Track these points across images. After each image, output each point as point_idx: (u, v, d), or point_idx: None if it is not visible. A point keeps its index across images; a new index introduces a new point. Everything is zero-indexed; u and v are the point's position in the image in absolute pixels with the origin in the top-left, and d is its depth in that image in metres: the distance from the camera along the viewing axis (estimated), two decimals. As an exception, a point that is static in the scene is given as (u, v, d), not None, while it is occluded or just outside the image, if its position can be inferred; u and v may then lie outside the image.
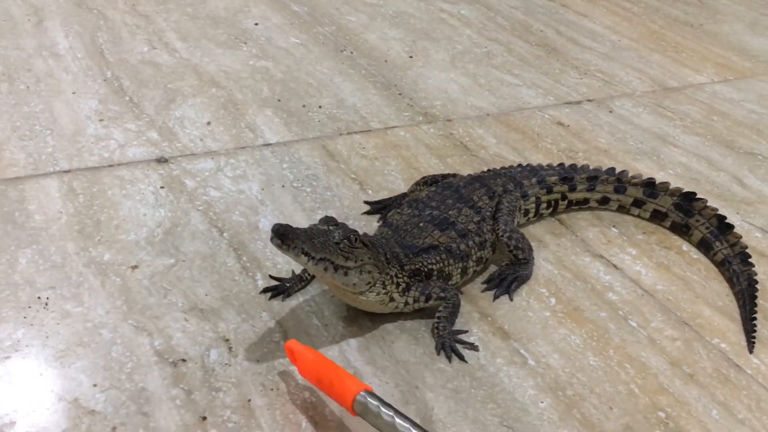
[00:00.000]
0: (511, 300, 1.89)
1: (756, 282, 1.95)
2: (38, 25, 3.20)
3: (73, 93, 2.70)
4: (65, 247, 1.94)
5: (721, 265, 2.06)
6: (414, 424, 1.39)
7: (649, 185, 2.21)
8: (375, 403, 1.40)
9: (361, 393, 1.42)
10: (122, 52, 3.04)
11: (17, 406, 1.50)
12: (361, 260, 1.64)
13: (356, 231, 1.68)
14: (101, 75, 2.84)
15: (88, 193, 2.16)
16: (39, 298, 1.77)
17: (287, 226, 1.56)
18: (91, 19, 3.29)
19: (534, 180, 2.16)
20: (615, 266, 2.05)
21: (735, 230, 2.09)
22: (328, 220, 1.68)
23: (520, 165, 2.26)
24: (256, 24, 3.42)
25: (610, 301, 1.92)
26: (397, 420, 1.38)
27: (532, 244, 2.03)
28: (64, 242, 1.95)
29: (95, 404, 1.51)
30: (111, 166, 2.31)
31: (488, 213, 1.99)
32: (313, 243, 1.58)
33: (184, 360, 1.63)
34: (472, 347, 1.73)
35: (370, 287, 1.69)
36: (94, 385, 1.55)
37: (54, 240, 1.96)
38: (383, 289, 1.72)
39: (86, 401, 1.52)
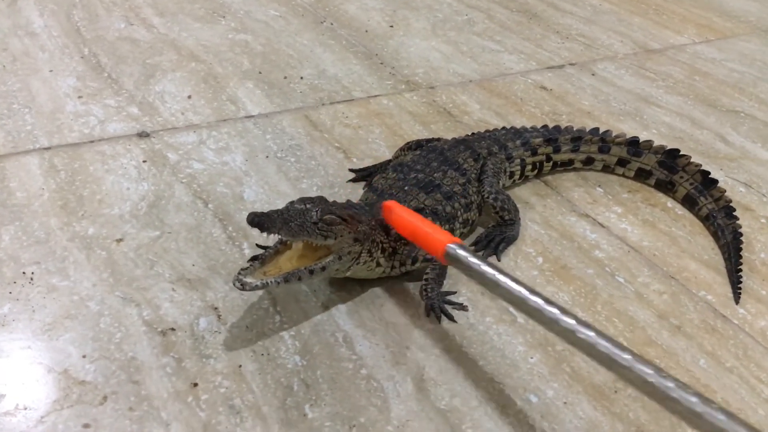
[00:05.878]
0: (499, 260, 1.89)
1: (741, 235, 1.97)
2: (12, 5, 3.14)
3: (51, 71, 2.66)
4: (48, 223, 1.91)
5: (706, 220, 2.07)
6: (500, 271, 1.45)
7: (633, 144, 2.21)
8: (464, 254, 1.51)
9: (450, 245, 1.53)
10: (99, 29, 2.99)
11: (6, 379, 1.49)
12: (341, 236, 1.63)
13: (333, 205, 1.67)
14: (78, 52, 2.80)
15: (69, 169, 2.13)
16: (24, 273, 1.75)
17: (262, 215, 1.53)
18: (66, -3, 3.24)
19: (519, 142, 2.16)
20: (601, 224, 2.06)
21: (719, 185, 2.10)
22: (304, 200, 1.66)
23: (504, 128, 2.25)
24: (234, -2, 3.38)
25: (596, 259, 1.93)
26: (484, 267, 1.47)
27: (519, 205, 2.03)
28: (47, 218, 1.93)
29: (85, 374, 1.50)
30: (92, 141, 2.28)
31: (473, 175, 1.99)
32: (290, 227, 1.55)
33: (173, 329, 1.63)
34: (461, 307, 1.74)
35: (355, 261, 1.69)
36: (84, 356, 1.54)
37: (37, 216, 1.94)
38: (369, 257, 1.71)
39: (76, 372, 1.51)
